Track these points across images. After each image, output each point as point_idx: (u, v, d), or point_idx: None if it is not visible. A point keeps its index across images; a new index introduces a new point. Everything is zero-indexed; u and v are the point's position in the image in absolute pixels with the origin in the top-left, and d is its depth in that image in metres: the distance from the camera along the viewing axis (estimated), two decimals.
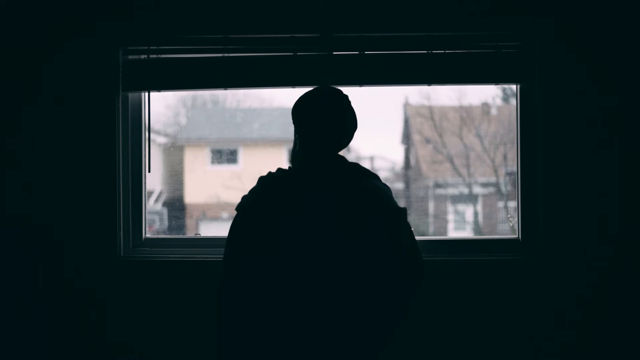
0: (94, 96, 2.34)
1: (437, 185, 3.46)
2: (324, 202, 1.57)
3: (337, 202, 1.57)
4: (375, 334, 1.59)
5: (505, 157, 3.04)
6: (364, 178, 1.64)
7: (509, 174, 2.98)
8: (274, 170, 1.70)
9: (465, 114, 3.17)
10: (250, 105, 3.29)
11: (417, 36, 2.32)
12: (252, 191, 1.67)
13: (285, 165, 1.73)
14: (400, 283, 1.59)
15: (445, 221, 3.47)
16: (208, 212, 3.29)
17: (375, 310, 1.58)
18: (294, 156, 1.70)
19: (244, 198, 1.67)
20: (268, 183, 1.64)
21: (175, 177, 2.87)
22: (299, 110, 1.67)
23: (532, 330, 2.29)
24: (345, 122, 1.67)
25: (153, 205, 3.05)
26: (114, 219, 2.34)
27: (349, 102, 1.71)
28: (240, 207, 1.65)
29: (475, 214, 3.42)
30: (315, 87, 1.76)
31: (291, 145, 1.76)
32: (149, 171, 2.42)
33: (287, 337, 1.56)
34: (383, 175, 3.51)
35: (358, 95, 2.54)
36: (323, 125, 1.64)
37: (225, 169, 3.19)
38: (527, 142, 2.36)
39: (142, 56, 2.38)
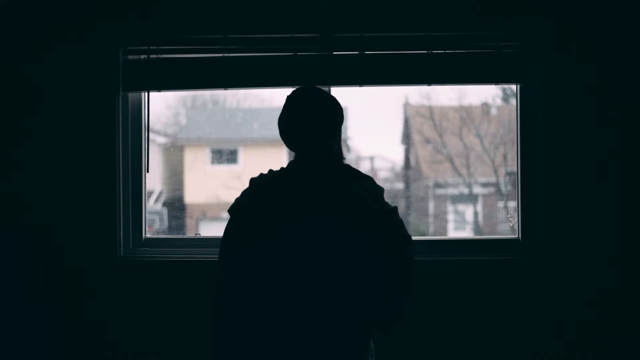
0: (94, 96, 2.34)
1: (437, 185, 3.47)
2: (318, 204, 1.58)
3: (331, 205, 1.57)
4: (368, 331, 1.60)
5: (505, 157, 3.04)
6: (355, 180, 1.63)
7: (509, 174, 2.98)
8: (265, 171, 1.70)
9: (465, 114, 3.17)
10: (250, 105, 3.30)
11: (417, 36, 2.32)
12: (243, 193, 1.67)
13: (285, 165, 1.72)
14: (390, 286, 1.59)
15: (445, 221, 3.47)
16: (208, 212, 3.29)
17: (367, 310, 1.58)
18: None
19: (236, 200, 1.67)
20: (259, 184, 1.65)
21: (175, 177, 2.87)
22: (295, 111, 1.65)
23: (532, 331, 2.29)
24: (336, 121, 1.66)
25: (153, 205, 3.05)
26: (114, 219, 2.34)
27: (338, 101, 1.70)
28: (232, 210, 1.65)
29: (475, 214, 3.42)
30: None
31: None
32: (148, 171, 2.42)
33: (283, 338, 1.56)
34: (383, 175, 3.52)
35: (358, 95, 2.55)
36: (319, 125, 1.64)
37: (225, 169, 3.19)
38: (527, 142, 2.37)
39: (142, 56, 2.38)
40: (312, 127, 1.63)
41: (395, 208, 1.62)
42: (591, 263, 2.28)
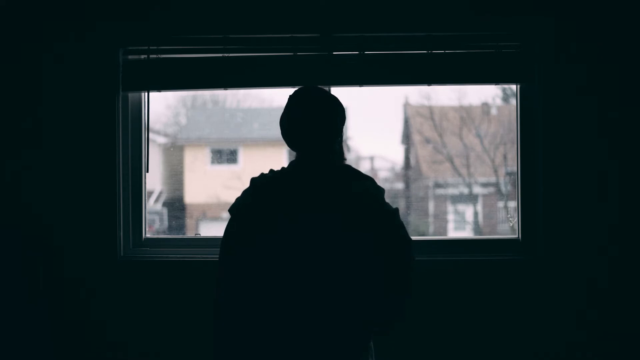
0: (94, 96, 2.34)
1: (437, 185, 3.47)
2: (319, 204, 1.58)
3: (332, 205, 1.57)
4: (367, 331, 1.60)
5: (505, 157, 3.04)
6: (356, 180, 1.63)
7: (509, 174, 2.98)
8: (266, 171, 1.70)
9: (465, 114, 3.17)
10: (250, 105, 3.29)
11: (417, 36, 2.32)
12: (244, 193, 1.67)
13: (286, 165, 1.72)
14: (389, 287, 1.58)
15: (445, 221, 3.47)
16: (208, 212, 3.29)
17: (367, 310, 1.58)
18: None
19: (237, 200, 1.67)
20: (260, 184, 1.65)
21: (175, 177, 2.87)
22: (297, 110, 1.65)
23: (532, 331, 2.29)
24: (337, 121, 1.66)
25: (153, 205, 3.05)
26: (114, 219, 2.34)
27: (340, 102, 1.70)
28: (233, 210, 1.65)
29: (475, 214, 3.42)
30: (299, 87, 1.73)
31: None
32: (147, 171, 2.42)
33: (283, 339, 1.56)
34: (383, 175, 3.52)
35: (358, 95, 2.55)
36: (321, 126, 1.63)
37: (225, 169, 3.19)
38: (527, 142, 2.37)
39: (142, 56, 2.38)
40: (314, 127, 1.63)
41: (396, 210, 1.62)
42: (591, 263, 2.28)
